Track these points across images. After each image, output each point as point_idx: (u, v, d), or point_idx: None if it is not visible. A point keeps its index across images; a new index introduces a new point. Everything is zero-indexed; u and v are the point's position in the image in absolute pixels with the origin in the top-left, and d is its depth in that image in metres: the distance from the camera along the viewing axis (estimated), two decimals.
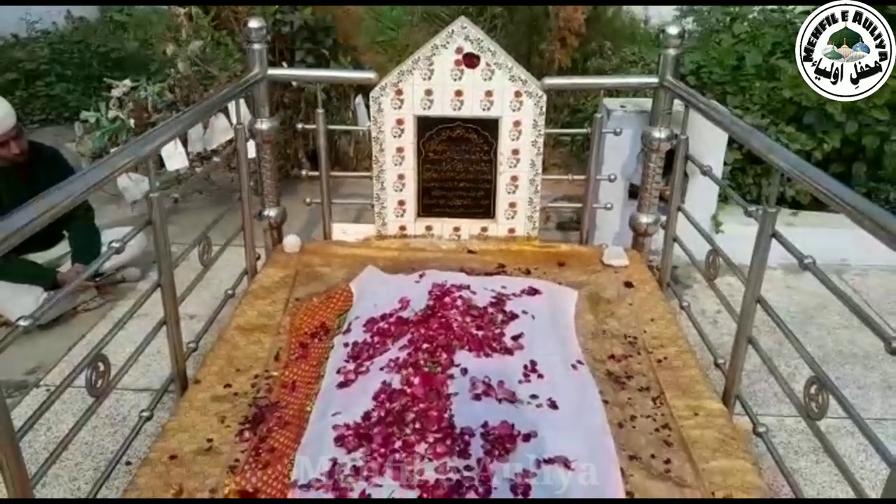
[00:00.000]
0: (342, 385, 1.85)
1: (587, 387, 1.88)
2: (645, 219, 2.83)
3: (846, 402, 1.52)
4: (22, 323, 1.40)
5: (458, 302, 2.10)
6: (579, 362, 2.00)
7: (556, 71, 4.78)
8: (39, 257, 2.90)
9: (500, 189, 2.79)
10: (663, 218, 2.76)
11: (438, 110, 2.67)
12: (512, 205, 2.82)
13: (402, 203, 2.86)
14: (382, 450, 1.55)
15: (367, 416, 1.67)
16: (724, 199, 3.47)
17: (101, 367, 1.69)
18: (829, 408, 1.57)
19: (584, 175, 2.93)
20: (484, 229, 2.89)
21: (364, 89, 3.90)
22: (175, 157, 3.38)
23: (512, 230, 2.88)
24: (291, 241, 2.89)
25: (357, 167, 4.40)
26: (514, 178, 2.77)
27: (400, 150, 2.74)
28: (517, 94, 2.63)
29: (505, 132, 2.68)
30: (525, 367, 1.87)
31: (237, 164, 2.70)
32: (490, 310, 2.11)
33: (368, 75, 2.78)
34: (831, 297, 1.66)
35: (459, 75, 2.62)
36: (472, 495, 1.43)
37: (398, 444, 1.57)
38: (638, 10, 6.14)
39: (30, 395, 2.43)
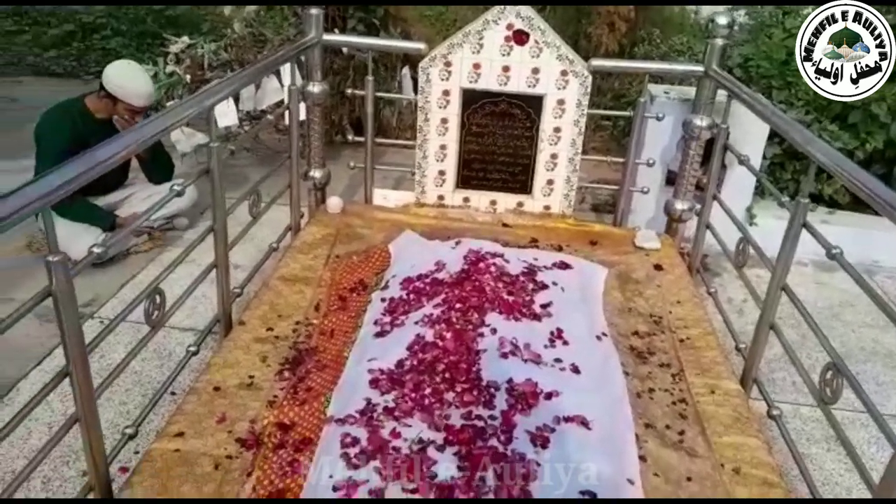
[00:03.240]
0: (378, 335, 1.96)
1: (609, 357, 1.96)
2: (680, 205, 2.88)
3: (859, 388, 1.58)
4: (95, 250, 1.54)
5: (492, 268, 2.19)
6: (604, 334, 2.08)
7: (603, 55, 4.80)
8: (99, 202, 3.08)
9: (539, 166, 2.86)
10: (698, 206, 2.81)
11: (485, 84, 2.74)
12: (549, 182, 2.89)
13: (442, 173, 2.94)
14: (413, 394, 1.66)
15: (400, 363, 1.78)
16: (759, 193, 3.49)
17: (158, 300, 1.82)
18: (846, 401, 1.61)
19: (623, 158, 2.98)
20: (520, 204, 2.97)
21: (411, 61, 3.97)
22: (227, 114, 3.50)
23: (547, 207, 2.96)
24: (334, 202, 3.00)
25: (398, 137, 4.50)
26: (554, 156, 2.83)
27: (444, 121, 2.82)
28: (563, 73, 2.69)
29: (548, 110, 2.75)
30: (551, 333, 1.96)
31: (288, 125, 2.81)
32: (522, 278, 2.20)
33: (419, 46, 2.85)
34: (858, 296, 1.71)
35: (508, 51, 2.69)
36: (493, 442, 1.53)
37: (428, 390, 1.68)
38: None
39: (85, 325, 2.59)
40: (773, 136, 3.30)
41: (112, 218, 3.02)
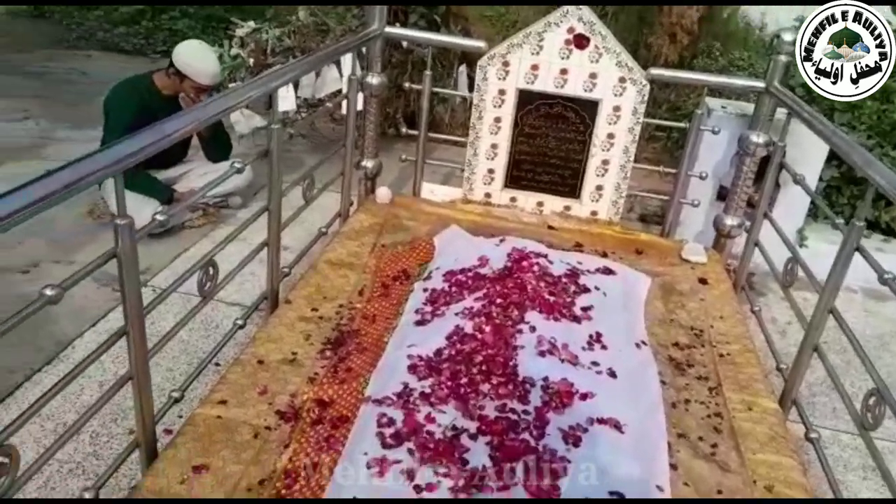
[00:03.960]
0: (419, 323, 2.00)
1: (647, 365, 1.97)
2: (730, 220, 2.85)
3: None
4: (158, 217, 1.61)
5: (535, 267, 2.21)
6: (643, 342, 2.09)
7: (662, 65, 4.76)
8: (159, 176, 3.20)
9: (590, 171, 2.87)
10: (748, 223, 2.78)
11: (541, 86, 2.75)
12: (599, 187, 2.89)
13: (491, 171, 2.97)
14: (450, 383, 1.69)
15: (439, 352, 1.82)
16: (813, 216, 3.43)
17: (211, 272, 1.89)
18: (887, 430, 1.59)
19: (675, 170, 2.96)
20: (567, 208, 2.97)
21: (468, 60, 4.01)
22: (287, 99, 3.59)
23: (594, 213, 2.96)
24: (383, 193, 3.06)
25: (450, 135, 4.54)
26: (605, 162, 2.83)
27: (497, 120, 2.85)
28: (621, 79, 2.69)
29: (603, 115, 2.75)
30: (590, 336, 1.97)
31: (346, 114, 2.87)
32: (564, 280, 2.22)
33: (479, 44, 2.88)
34: None
35: (567, 54, 2.70)
36: (525, 436, 1.55)
37: (464, 380, 1.71)
38: (755, 16, 5.99)
39: None
40: (832, 159, 3.24)
41: (171, 192, 3.14)
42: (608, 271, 2.40)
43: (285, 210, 2.42)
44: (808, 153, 2.96)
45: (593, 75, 2.70)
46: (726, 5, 5.45)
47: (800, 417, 2.05)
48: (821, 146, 3.02)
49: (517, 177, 2.97)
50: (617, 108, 2.73)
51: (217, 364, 2.27)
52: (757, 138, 2.67)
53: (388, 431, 1.55)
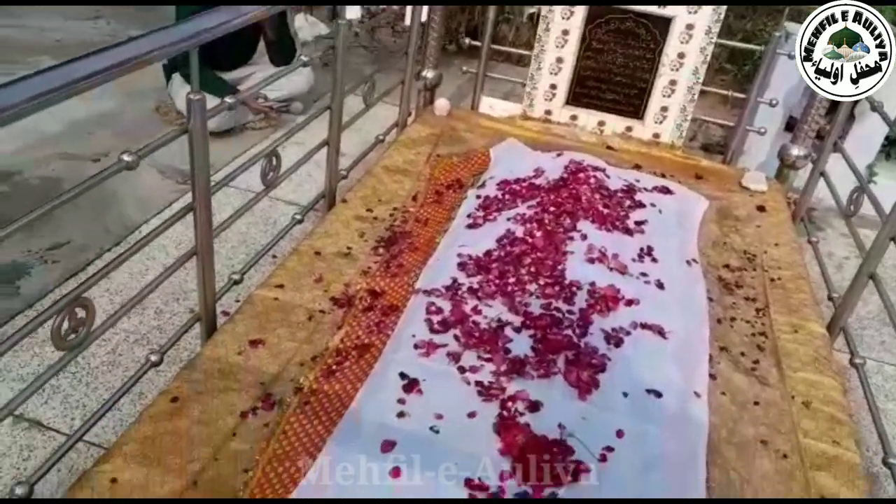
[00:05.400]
0: (470, 226, 2.04)
1: (696, 281, 1.97)
2: (796, 151, 2.76)
3: None
4: (228, 100, 1.66)
5: (591, 180, 2.20)
6: (694, 261, 2.08)
7: None
8: (224, 76, 3.26)
9: (657, 91, 2.79)
10: (815, 155, 2.69)
11: None
12: (664, 108, 2.82)
13: (553, 87, 2.92)
14: (498, 281, 1.74)
15: (488, 252, 1.86)
16: (886, 154, 3.29)
17: (274, 162, 1.95)
18: None
19: (744, 95, 2.87)
20: (629, 129, 2.92)
21: None
22: (353, 8, 3.57)
23: (657, 135, 2.90)
24: (442, 104, 3.05)
25: (511, 55, 4.46)
26: (673, 83, 2.76)
27: (565, 32, 2.78)
28: None
29: (675, 33, 2.66)
30: (641, 249, 1.98)
31: (410, 20, 2.85)
32: (620, 194, 2.21)
33: None
34: None
35: None
36: (569, 332, 1.59)
37: (512, 279, 1.75)
38: None
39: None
40: None
41: (235, 91, 3.20)
42: (666, 190, 2.37)
43: (345, 117, 2.45)
44: (888, 88, 2.81)
45: None
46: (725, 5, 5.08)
47: (847, 345, 2.03)
48: None
49: (580, 94, 2.91)
50: (690, 27, 2.63)
51: (274, 256, 2.36)
52: None
53: (436, 318, 1.61)
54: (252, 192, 1.97)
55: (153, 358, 1.64)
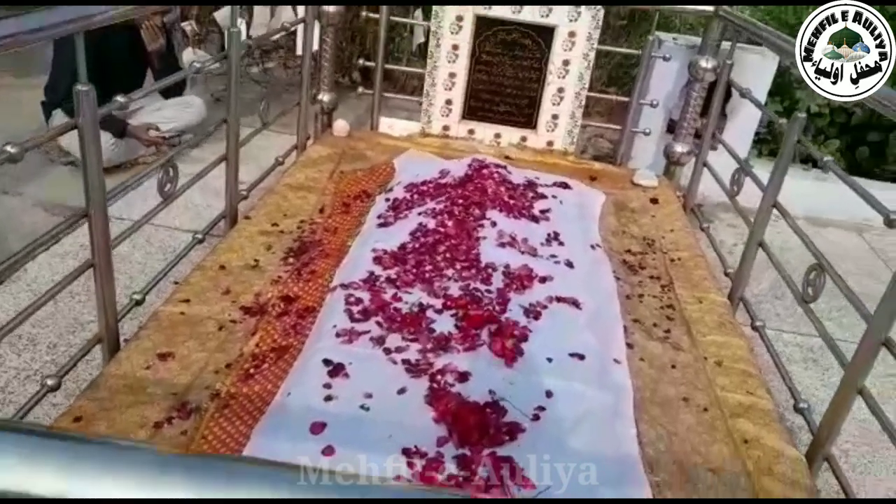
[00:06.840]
0: (382, 225, 2.03)
1: (602, 262, 2.04)
2: (679, 148, 2.95)
3: (842, 282, 1.64)
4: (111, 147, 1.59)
5: (496, 175, 2.26)
6: (598, 245, 2.16)
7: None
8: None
9: (546, 99, 2.92)
10: (696, 151, 2.88)
11: (498, 11, 2.78)
12: (555, 116, 2.95)
13: (449, 102, 2.99)
14: (415, 270, 1.73)
15: (403, 246, 1.85)
16: (758, 152, 3.56)
17: (171, 173, 1.88)
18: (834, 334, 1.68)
19: (627, 98, 3.04)
20: (524, 139, 3.02)
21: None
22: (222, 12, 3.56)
23: (550, 143, 3.01)
24: (340, 125, 3.05)
25: (405, 85, 4.53)
26: (560, 90, 2.89)
27: (455, 47, 2.87)
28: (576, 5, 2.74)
29: (559, 41, 2.80)
30: (548, 234, 2.04)
31: (303, 43, 2.86)
32: (522, 188, 2.27)
33: None
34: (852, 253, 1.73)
35: None
36: (489, 308, 1.60)
37: (429, 267, 1.75)
38: None
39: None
40: (774, 94, 3.37)
41: (124, 124, 3.06)
42: (564, 186, 2.46)
43: (243, 135, 2.40)
44: (753, 82, 3.07)
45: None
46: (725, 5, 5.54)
47: (747, 313, 2.15)
48: (765, 77, 3.15)
49: (475, 107, 3.00)
50: (572, 34, 2.79)
51: (176, 282, 2.25)
52: (706, 63, 2.75)
53: (356, 308, 1.58)
54: (151, 225, 1.88)
55: (50, 382, 1.50)
